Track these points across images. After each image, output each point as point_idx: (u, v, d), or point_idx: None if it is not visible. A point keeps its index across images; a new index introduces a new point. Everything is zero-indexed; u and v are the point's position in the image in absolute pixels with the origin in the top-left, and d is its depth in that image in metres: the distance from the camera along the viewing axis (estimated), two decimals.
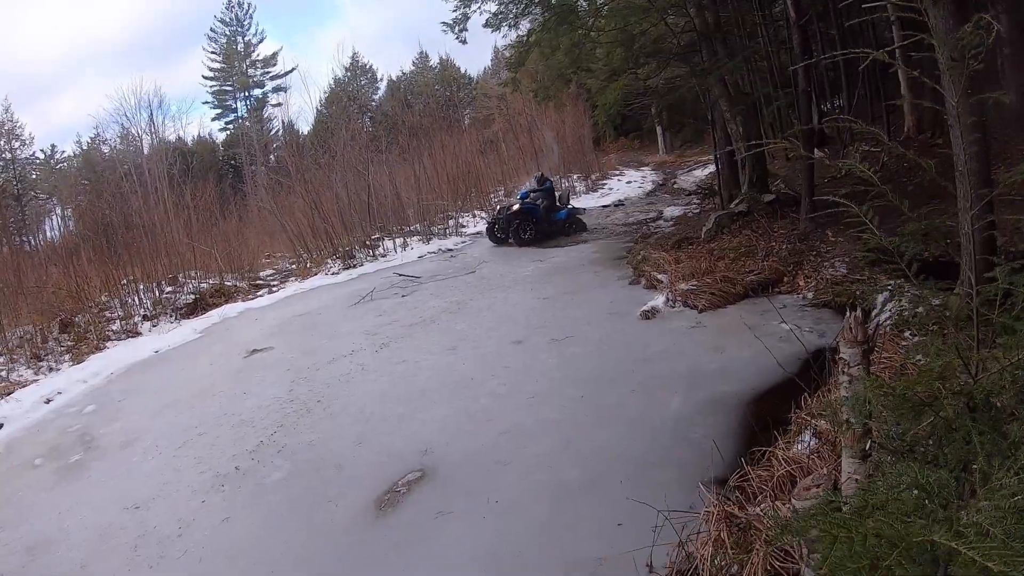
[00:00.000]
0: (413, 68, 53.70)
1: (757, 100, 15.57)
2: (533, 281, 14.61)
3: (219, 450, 8.15)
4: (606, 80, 19.75)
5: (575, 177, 31.16)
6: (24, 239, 40.40)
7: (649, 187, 29.45)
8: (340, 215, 22.91)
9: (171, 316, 18.05)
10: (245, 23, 56.07)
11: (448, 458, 7.03)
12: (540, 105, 28.36)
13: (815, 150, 20.26)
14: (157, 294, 19.36)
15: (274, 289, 20.01)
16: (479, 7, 17.06)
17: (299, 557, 5.77)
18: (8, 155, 48.84)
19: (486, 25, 17.11)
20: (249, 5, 55.86)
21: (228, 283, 20.90)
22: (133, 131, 40.25)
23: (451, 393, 8.78)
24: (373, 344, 11.53)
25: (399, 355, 10.71)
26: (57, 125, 75.56)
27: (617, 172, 34.25)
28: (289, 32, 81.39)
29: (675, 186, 27.51)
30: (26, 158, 50.16)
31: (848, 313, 4.11)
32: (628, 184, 30.36)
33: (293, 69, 54.59)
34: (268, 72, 56.27)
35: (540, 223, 19.11)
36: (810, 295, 10.62)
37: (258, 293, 19.88)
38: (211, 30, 55.81)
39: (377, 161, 26.58)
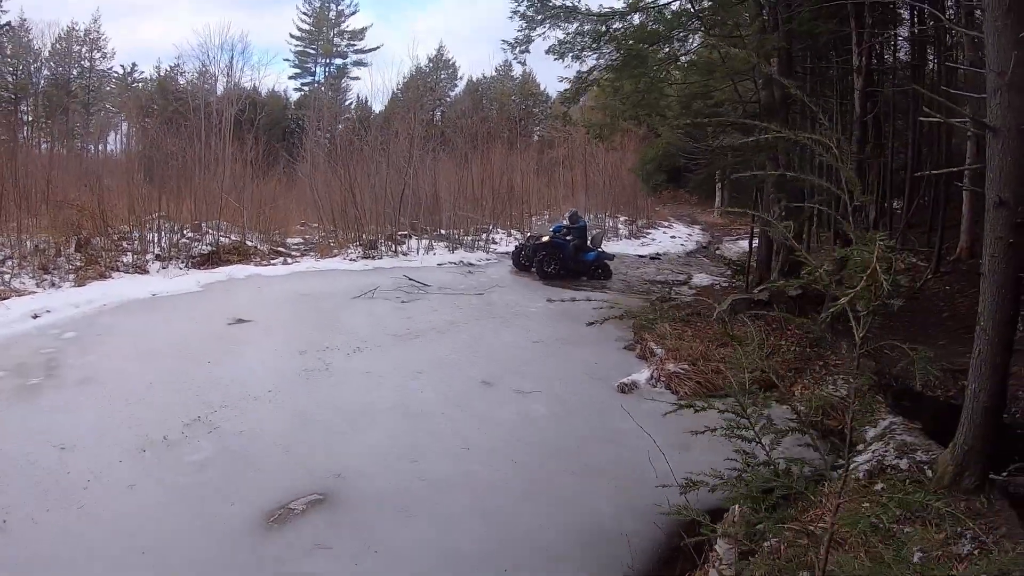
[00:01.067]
0: (495, 74, 53.37)
1: (804, 189, 14.70)
2: (534, 319, 14.18)
3: (160, 414, 8.07)
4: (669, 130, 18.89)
5: (621, 220, 30.54)
6: (86, 146, 40.76)
7: (692, 246, 28.85)
8: (373, 203, 22.39)
9: (183, 263, 18.10)
10: None
11: (357, 488, 6.77)
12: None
13: None
14: (176, 238, 19.26)
15: (289, 261, 19.83)
16: (544, 32, 16.46)
17: (169, 545, 5.68)
18: (88, 63, 49.36)
19: (548, 52, 16.48)
20: None
21: (250, 243, 20.83)
22: (211, 70, 40.37)
23: (395, 420, 8.54)
24: (349, 346, 11.36)
25: (367, 365, 10.55)
26: (141, 44, 76.98)
27: (666, 224, 33.53)
28: (386, 9, 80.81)
29: (717, 252, 26.80)
30: (103, 70, 50.70)
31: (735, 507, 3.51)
32: (672, 239, 29.73)
33: (378, 47, 55.15)
34: (353, 45, 56.59)
35: (566, 261, 18.70)
36: (800, 407, 9.82)
37: (273, 261, 19.72)
38: None
39: (425, 159, 26.24)
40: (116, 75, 51.91)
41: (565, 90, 17.50)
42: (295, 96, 53.85)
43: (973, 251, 16.52)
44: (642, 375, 10.61)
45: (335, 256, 20.74)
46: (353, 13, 56.77)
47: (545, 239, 18.78)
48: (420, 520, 6.24)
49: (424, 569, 5.59)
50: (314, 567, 5.48)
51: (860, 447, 8.44)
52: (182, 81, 46.91)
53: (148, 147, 25.88)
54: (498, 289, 17.00)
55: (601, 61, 16.29)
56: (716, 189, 36.50)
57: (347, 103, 52.94)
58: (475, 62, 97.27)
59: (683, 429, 8.79)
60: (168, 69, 49.56)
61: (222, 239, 20.27)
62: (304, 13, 55.69)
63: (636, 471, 7.57)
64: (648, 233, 29.62)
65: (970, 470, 6.68)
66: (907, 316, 14.10)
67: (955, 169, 13.82)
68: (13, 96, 44.36)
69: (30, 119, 42.98)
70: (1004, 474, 7.44)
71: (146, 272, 17.05)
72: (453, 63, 55.41)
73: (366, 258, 20.40)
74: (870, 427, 8.95)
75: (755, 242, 17.11)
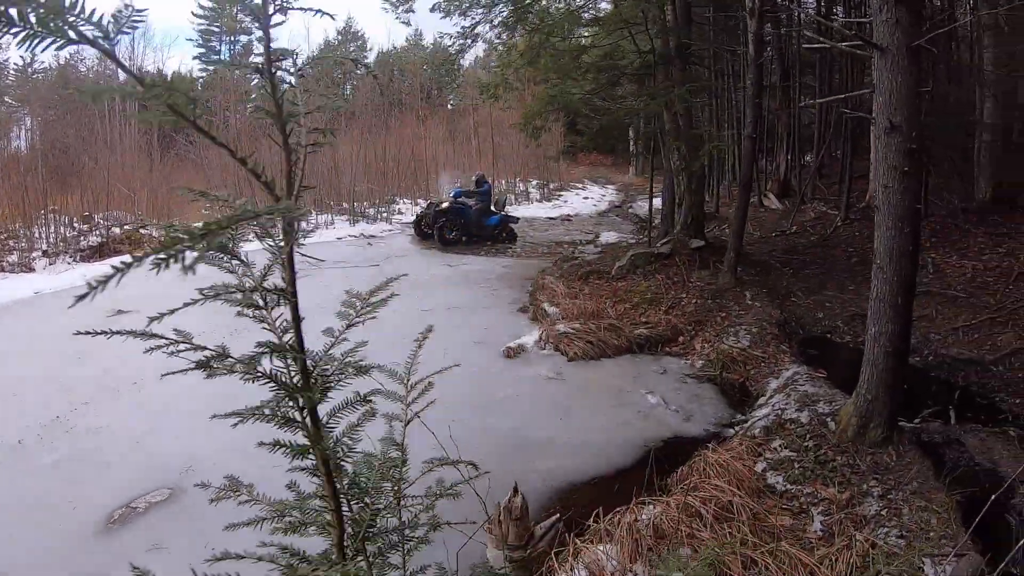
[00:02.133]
0: (405, 44, 51.82)
1: (701, 136, 13.87)
2: (428, 288, 13.18)
3: (20, 415, 7.55)
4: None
5: (533, 183, 29.68)
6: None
7: (605, 207, 28.13)
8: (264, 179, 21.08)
9: (71, 257, 16.98)
10: None
11: (208, 482, 5.67)
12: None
13: (777, 200, 19.00)
14: (65, 231, 18.14)
15: None
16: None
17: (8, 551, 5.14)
18: None
19: (433, 9, 15.25)
20: None
21: (145, 231, 19.50)
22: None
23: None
24: (227, 329, 9.98)
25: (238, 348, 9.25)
26: None
27: (580, 186, 32.85)
28: None
29: (630, 210, 26.09)
30: None
31: (508, 496, 2.60)
32: (585, 200, 29.01)
33: (283, 22, 52.38)
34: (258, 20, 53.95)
35: (468, 225, 18.11)
36: (699, 364, 9.03)
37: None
38: None
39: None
40: (15, 67, 49.32)
41: (448, 47, 16.04)
42: (202, 77, 51.62)
43: None
44: (530, 337, 9.71)
45: None
46: None
47: (444, 205, 18.14)
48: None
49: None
50: (151, 568, 4.51)
51: (760, 400, 7.61)
52: (83, 69, 44.79)
53: (48, 141, 24.23)
54: (395, 260, 16.13)
55: (491, 15, 15.06)
56: (631, 148, 35.81)
57: (254, 81, 50.97)
58: (385, 31, 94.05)
59: (566, 392, 8.10)
60: (68, 56, 47.19)
61: (114, 229, 19.07)
62: None
63: (510, 439, 6.89)
64: (560, 195, 28.84)
65: (875, 420, 5.85)
66: (818, 263, 13.70)
67: (850, 98, 12.93)
68: None
69: None
70: (916, 421, 6.65)
71: (32, 270, 15.87)
72: (363, 35, 53.84)
73: (258, 238, 19.09)
74: (773, 378, 8.14)
75: (663, 199, 16.34)
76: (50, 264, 16.25)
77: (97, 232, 18.50)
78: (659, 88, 12.93)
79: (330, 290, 10.55)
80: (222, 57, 53.04)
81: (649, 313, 10.59)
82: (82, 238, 18.12)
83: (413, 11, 15.45)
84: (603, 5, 15.28)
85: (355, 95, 43.49)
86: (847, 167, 16.78)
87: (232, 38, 52.96)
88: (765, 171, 21.69)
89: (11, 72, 48.39)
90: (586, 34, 15.89)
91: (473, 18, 14.91)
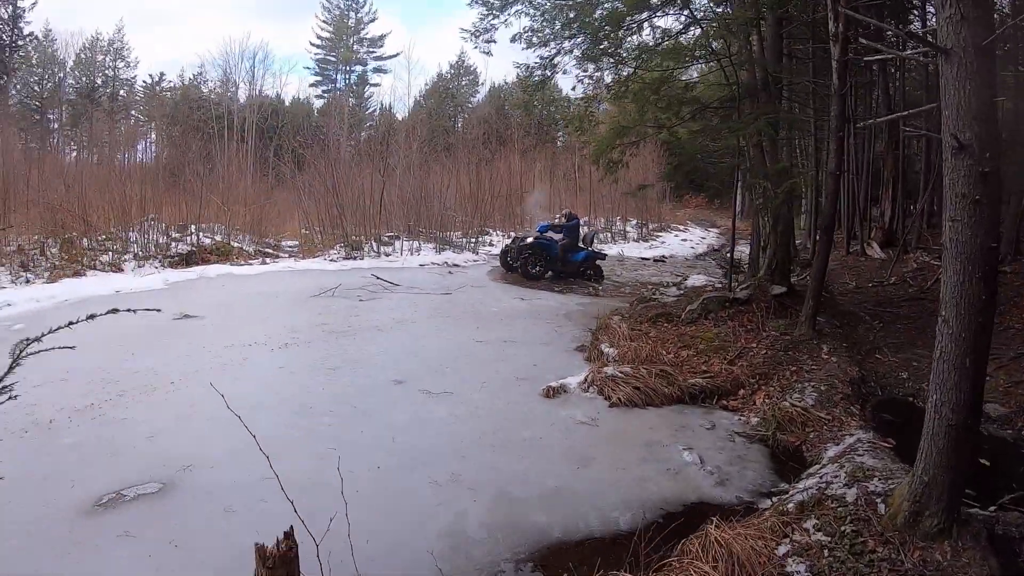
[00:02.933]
0: (517, 79, 51.44)
1: (787, 171, 12.79)
2: (490, 319, 12.70)
3: (60, 398, 7.67)
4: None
5: (631, 223, 28.78)
6: (114, 154, 40.16)
7: (703, 249, 27.13)
8: (358, 205, 21.14)
9: (159, 262, 17.46)
10: (360, 0, 55.76)
11: (197, 481, 5.98)
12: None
13: (880, 249, 17.79)
14: (160, 238, 18.93)
15: (268, 261, 18.94)
16: (507, 19, 14.66)
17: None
18: (111, 72, 48.94)
19: (514, 39, 14.55)
20: None
21: (236, 244, 20.21)
22: (233, 78, 39.78)
23: (280, 416, 7.52)
24: (279, 341, 10.53)
25: (286, 360, 9.69)
26: (169, 54, 76.49)
27: (681, 228, 31.86)
28: (406, 15, 79.73)
29: (727, 254, 24.83)
30: (126, 79, 50.26)
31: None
32: (683, 242, 28.03)
33: (398, 54, 54.36)
34: (373, 52, 55.96)
35: (553, 261, 17.55)
36: (754, 421, 8.06)
37: (251, 261, 18.89)
38: (327, 0, 55.61)
39: (426, 164, 25.27)
40: (144, 84, 51.61)
41: (526, 77, 15.15)
42: (317, 103, 52.75)
43: None
44: (575, 378, 8.92)
45: (317, 257, 19.61)
46: (372, 20, 56.21)
47: (530, 240, 17.62)
48: (240, 518, 5.36)
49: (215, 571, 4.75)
50: (112, 553, 4.90)
51: (810, 469, 6.63)
52: (205, 90, 46.42)
53: (172, 154, 25.39)
54: (468, 290, 15.69)
55: (566, 44, 14.26)
56: (737, 192, 34.61)
57: (369, 110, 51.73)
58: (498, 65, 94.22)
59: (594, 440, 7.28)
60: (192, 78, 49.09)
61: (205, 239, 19.78)
62: (324, 21, 55.28)
63: (516, 486, 6.17)
64: (658, 236, 27.93)
65: (931, 507, 4.84)
66: (912, 318, 12.54)
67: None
68: (39, 105, 43.97)
69: (55, 127, 42.40)
70: (992, 509, 5.57)
71: (121, 270, 16.51)
72: (475, 69, 54.05)
73: (348, 259, 19.40)
74: (832, 444, 7.15)
75: (752, 240, 15.34)
76: (139, 267, 16.80)
77: (188, 241, 19.12)
78: (739, 121, 11.98)
79: (391, 313, 11.78)
80: (337, 86, 54.74)
81: (712, 362, 9.65)
82: (173, 245, 18.79)
83: (495, 41, 14.75)
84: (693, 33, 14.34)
85: (464, 128, 43.76)
86: None
87: (348, 68, 53.99)
88: (869, 218, 20.57)
89: (140, 88, 50.46)
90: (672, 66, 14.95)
91: (553, 49, 14.18)
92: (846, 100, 10.53)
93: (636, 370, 8.75)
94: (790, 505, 5.46)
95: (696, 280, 16.64)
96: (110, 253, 17.17)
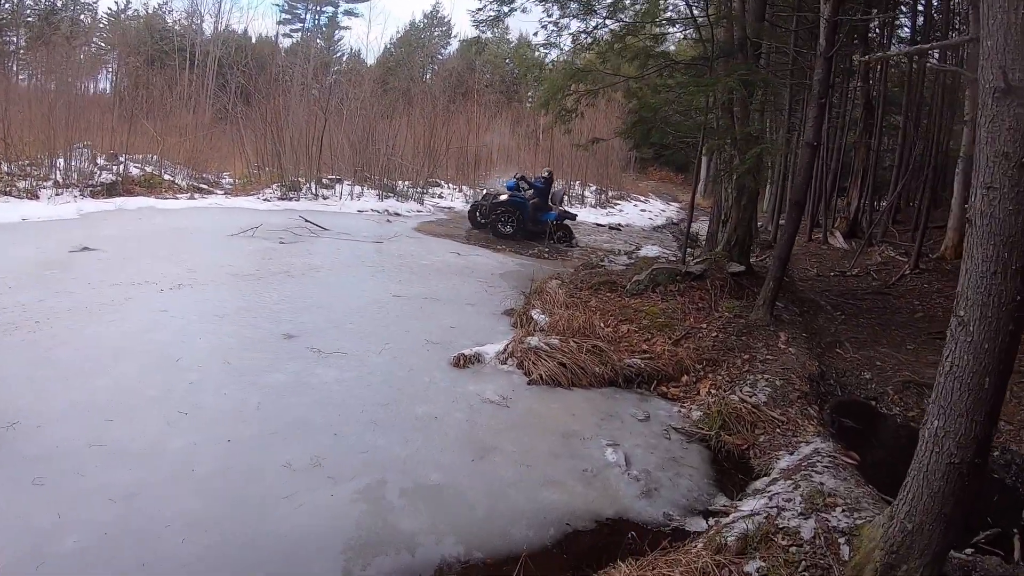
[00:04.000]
0: (490, 36, 49.57)
1: (755, 138, 11.41)
2: (417, 273, 11.37)
3: None
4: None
5: (591, 189, 27.50)
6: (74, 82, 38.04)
7: (661, 222, 25.98)
8: (301, 145, 19.52)
9: (80, 191, 16.04)
10: None
11: (18, 444, 4.71)
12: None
13: (843, 239, 16.80)
14: (86, 166, 17.22)
15: (197, 196, 17.47)
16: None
17: None
18: None
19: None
20: None
21: (167, 177, 18.85)
22: (199, 9, 37.75)
23: (138, 368, 6.22)
24: (174, 282, 9.13)
25: (172, 303, 8.26)
26: None
27: (642, 199, 30.73)
28: None
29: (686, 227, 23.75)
30: (88, 2, 47.65)
31: None
32: (642, 212, 26.87)
33: None
34: None
35: (524, 220, 16.49)
36: (696, 415, 6.75)
37: (180, 195, 17.46)
38: None
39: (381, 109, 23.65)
40: (109, 11, 48.97)
41: (476, 10, 13.12)
42: (286, 43, 50.38)
43: (959, 251, 13.89)
44: (494, 347, 7.54)
45: (252, 195, 18.15)
46: None
47: (503, 197, 16.62)
48: (45, 494, 4.15)
49: None
50: None
51: (757, 483, 5.34)
52: (169, 20, 44.12)
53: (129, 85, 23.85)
54: (403, 239, 14.44)
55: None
56: (702, 166, 33.50)
57: (338, 54, 49.53)
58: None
59: (501, 424, 5.95)
60: (156, 7, 46.62)
61: (134, 170, 18.33)
62: None
63: (391, 477, 4.93)
64: (617, 204, 26.69)
65: (912, 562, 3.53)
66: (876, 312, 11.49)
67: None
68: None
69: (11, 50, 39.81)
70: (968, 551, 4.32)
71: (36, 198, 14.93)
72: (448, 20, 51.79)
73: (284, 199, 18.01)
74: (785, 452, 5.88)
75: (713, 212, 14.05)
76: (56, 195, 15.28)
77: (115, 171, 17.60)
78: (710, 78, 10.55)
79: (308, 258, 11.32)
80: (306, 26, 52.50)
81: (655, 340, 8.33)
82: (99, 174, 17.21)
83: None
84: None
85: (432, 79, 42.10)
86: (925, 210, 14.82)
87: (318, 8, 51.80)
88: (835, 208, 19.92)
89: (103, 16, 48.13)
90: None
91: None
92: (832, 64, 9.13)
93: (565, 343, 7.38)
94: (730, 537, 4.14)
95: (649, 250, 15.28)
96: (29, 179, 15.71)
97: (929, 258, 14.36)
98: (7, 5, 43.14)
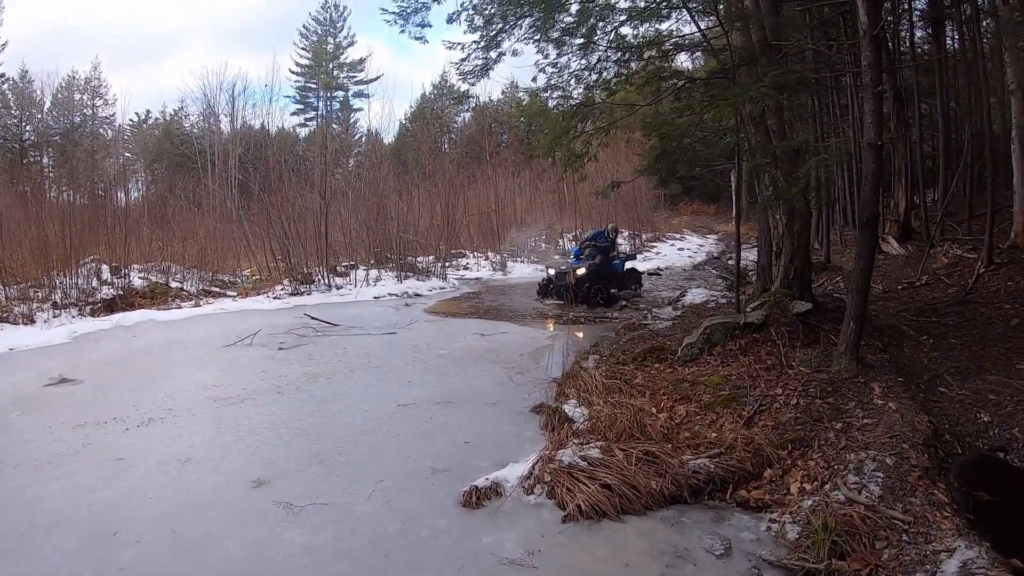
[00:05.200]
0: (502, 96, 48.37)
1: (798, 151, 9.59)
2: (434, 367, 9.67)
3: None
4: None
5: (624, 234, 25.77)
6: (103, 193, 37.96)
7: (701, 258, 24.55)
8: (312, 235, 18.10)
9: (79, 310, 14.76)
10: (338, 24, 52.90)
11: None
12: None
13: (897, 244, 14.85)
14: (88, 283, 15.95)
15: (201, 303, 16.08)
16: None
17: None
18: (90, 111, 46.28)
19: (450, 21, 11.07)
20: (344, 8, 52.95)
21: (175, 284, 17.39)
22: (215, 110, 37.21)
23: (71, 543, 4.91)
24: (145, 416, 7.70)
25: (129, 450, 6.72)
26: (153, 90, 72.34)
27: (677, 236, 29.11)
28: (391, 38, 75.86)
29: (729, 261, 21.95)
30: (105, 117, 47.51)
31: None
32: (680, 251, 25.27)
33: (378, 77, 51.41)
34: (353, 76, 52.82)
35: (603, 280, 15.72)
36: (792, 533, 4.91)
37: (185, 303, 16.04)
38: (304, 26, 52.82)
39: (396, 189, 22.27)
40: (131, 122, 48.90)
41: (460, 61, 11.37)
42: (302, 132, 49.67)
43: None
44: (517, 468, 5.77)
45: (262, 294, 16.63)
46: (351, 44, 53.03)
47: (581, 272, 15.46)
48: None
49: None
50: None
51: None
52: (187, 124, 43.69)
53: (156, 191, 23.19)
54: (421, 324, 12.88)
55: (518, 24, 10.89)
56: (738, 185, 31.76)
57: (357, 136, 48.54)
58: (484, 85, 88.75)
59: None
60: (173, 113, 46.33)
61: (138, 281, 16.91)
62: (302, 48, 52.13)
63: None
64: (653, 247, 25.09)
65: None
66: (965, 328, 9.49)
67: None
68: (17, 147, 41.48)
69: (38, 169, 39.69)
70: None
71: (32, 322, 13.70)
72: (458, 88, 50.78)
73: (295, 294, 16.44)
74: (923, 573, 4.02)
75: (759, 246, 12.21)
76: (55, 316, 14.10)
77: (118, 284, 16.31)
78: (734, 90, 8.76)
79: (308, 366, 9.52)
80: (319, 113, 51.90)
81: (721, 422, 6.51)
82: (101, 290, 15.95)
83: (429, 24, 11.28)
84: None
85: (450, 148, 41.00)
86: (991, 196, 12.62)
87: (328, 94, 51.23)
88: (881, 210, 17.61)
89: (127, 127, 48.16)
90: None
91: (497, 25, 10.80)
92: (880, 44, 7.33)
93: (608, 452, 5.59)
94: None
95: (696, 295, 13.55)
96: (29, 302, 14.40)
97: (1000, 249, 12.44)
98: (28, 127, 43.29)
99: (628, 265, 16.95)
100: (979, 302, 10.73)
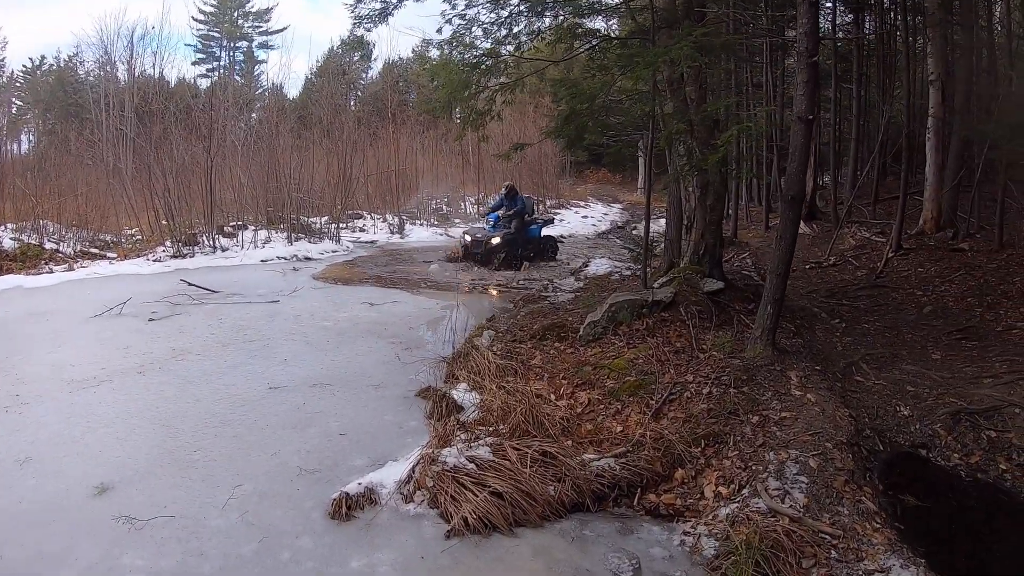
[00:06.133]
0: (412, 55, 46.77)
1: (717, 120, 8.99)
2: (314, 343, 8.67)
3: None
4: None
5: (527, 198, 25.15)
6: None
7: (606, 227, 24.08)
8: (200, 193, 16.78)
9: None
10: None
11: None
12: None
13: (805, 223, 14.60)
14: None
15: (76, 267, 14.52)
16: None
17: None
18: None
19: None
20: None
21: (51, 245, 15.71)
22: (112, 57, 34.78)
23: None
24: None
25: None
26: (48, 36, 67.60)
27: (582, 204, 28.67)
28: None
29: (633, 232, 21.91)
30: None
31: None
32: (584, 219, 24.72)
33: (284, 28, 49.52)
34: (258, 26, 50.28)
35: (519, 249, 15.51)
36: (708, 547, 4.28)
37: (58, 267, 14.39)
38: None
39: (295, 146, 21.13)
40: (24, 68, 45.59)
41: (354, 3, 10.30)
42: (204, 83, 46.97)
43: (939, 222, 12.50)
44: (396, 469, 4.96)
45: (142, 256, 15.19)
46: None
47: (496, 240, 15.22)
48: None
49: None
50: None
51: None
52: (81, 72, 40.89)
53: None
54: (307, 291, 11.78)
55: None
56: (640, 164, 31.44)
57: (259, 90, 46.25)
58: (391, 40, 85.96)
59: None
60: (67, 59, 43.25)
61: (8, 242, 15.17)
62: None
63: None
64: (557, 214, 24.21)
65: None
66: (877, 312, 9.32)
67: None
68: None
69: None
70: None
71: None
72: (371, 43, 48.80)
73: (177, 256, 15.08)
74: None
75: (668, 215, 11.66)
76: None
77: None
78: (652, 50, 8.04)
79: (177, 340, 8.45)
80: (222, 64, 49.42)
81: (627, 414, 5.85)
82: None
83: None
84: None
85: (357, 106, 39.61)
86: (904, 182, 12.68)
87: (232, 44, 48.80)
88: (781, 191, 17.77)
89: (19, 73, 45.03)
90: None
91: None
92: (818, 11, 6.70)
93: (500, 451, 4.85)
94: None
95: (600, 266, 12.94)
96: None
97: (908, 235, 12.43)
98: None
99: (544, 232, 16.69)
100: (890, 286, 10.58)
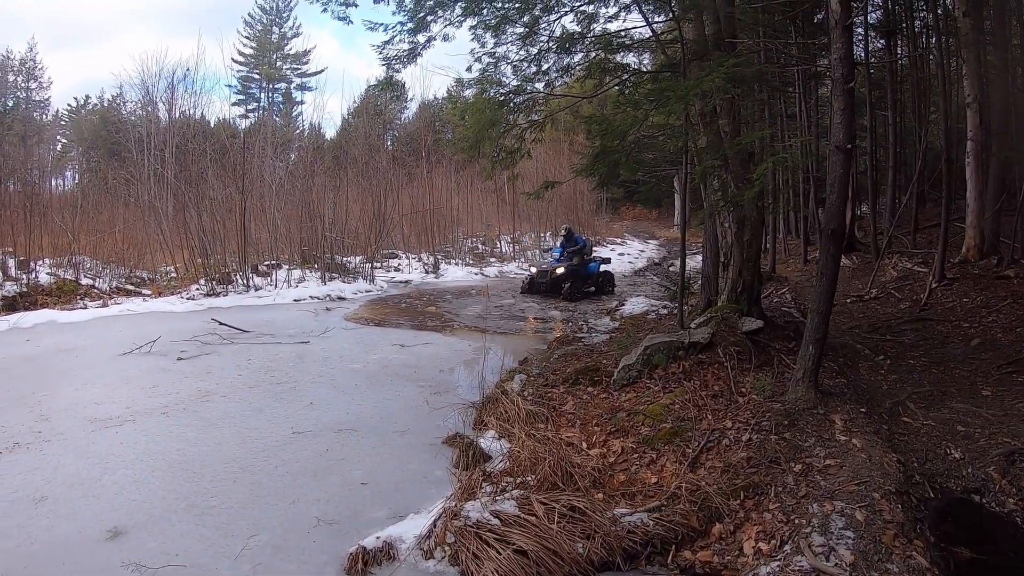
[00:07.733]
0: (447, 95, 47.24)
1: (752, 153, 8.72)
2: (341, 386, 8.44)
3: None
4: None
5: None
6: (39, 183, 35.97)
7: (643, 264, 23.98)
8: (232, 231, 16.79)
9: None
10: (284, 14, 51.40)
11: None
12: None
13: (845, 256, 14.30)
14: None
15: (109, 303, 14.58)
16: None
17: None
18: (24, 94, 44.05)
19: (377, 1, 10.07)
20: None
21: (87, 280, 16.03)
22: (153, 98, 35.59)
23: None
24: (9, 442, 6.43)
25: None
26: (91, 75, 68.67)
27: (619, 241, 28.61)
28: (338, 31, 74.10)
29: (671, 268, 21.50)
30: (39, 100, 45.39)
31: None
32: (620, 256, 24.52)
33: (323, 70, 50.54)
34: (297, 68, 51.42)
35: (583, 281, 16.71)
36: None
37: (92, 303, 14.51)
38: (249, 14, 51.38)
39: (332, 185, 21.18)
40: (69, 107, 46.76)
41: (382, 44, 10.21)
42: (243, 124, 47.86)
43: (982, 249, 12.10)
44: (416, 523, 4.73)
45: (176, 294, 15.29)
46: (296, 35, 51.63)
47: (561, 271, 16.37)
48: None
49: None
50: None
51: None
52: (124, 111, 41.76)
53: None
54: (338, 332, 11.60)
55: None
56: (675, 200, 31.28)
57: (298, 130, 46.96)
58: (428, 80, 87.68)
59: None
60: (111, 99, 44.23)
61: (44, 277, 15.53)
62: (246, 36, 50.35)
63: None
64: (594, 253, 23.99)
65: None
66: (923, 347, 8.85)
67: None
68: None
69: None
70: None
71: None
72: (402, 84, 49.46)
73: (211, 295, 15.06)
74: None
75: (704, 253, 11.41)
76: None
77: (22, 282, 14.87)
78: (684, 83, 7.84)
79: (204, 381, 8.26)
80: (261, 105, 50.27)
81: (662, 464, 5.58)
82: (4, 286, 14.60)
83: (355, 3, 10.06)
84: None
85: (394, 146, 39.93)
86: (945, 209, 12.19)
87: (271, 85, 49.64)
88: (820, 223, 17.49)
89: (65, 112, 46.20)
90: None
91: (428, 7, 9.67)
92: (852, 35, 6.45)
93: (526, 506, 4.59)
94: None
95: (635, 305, 12.68)
96: None
97: (951, 263, 12.03)
98: None
99: (603, 268, 17.40)
100: (935, 319, 10.18)
